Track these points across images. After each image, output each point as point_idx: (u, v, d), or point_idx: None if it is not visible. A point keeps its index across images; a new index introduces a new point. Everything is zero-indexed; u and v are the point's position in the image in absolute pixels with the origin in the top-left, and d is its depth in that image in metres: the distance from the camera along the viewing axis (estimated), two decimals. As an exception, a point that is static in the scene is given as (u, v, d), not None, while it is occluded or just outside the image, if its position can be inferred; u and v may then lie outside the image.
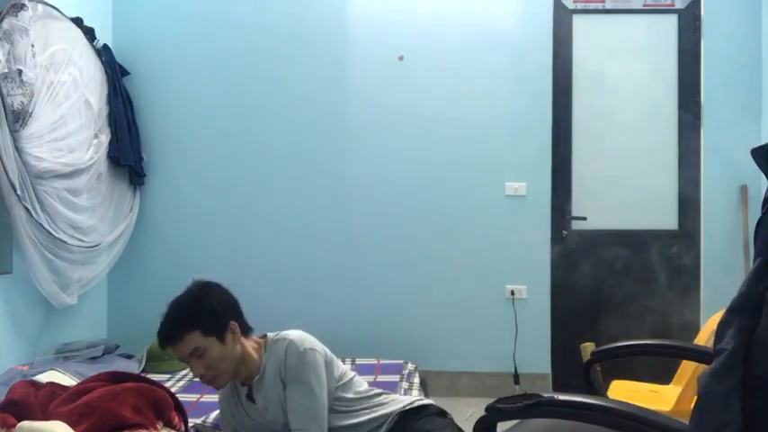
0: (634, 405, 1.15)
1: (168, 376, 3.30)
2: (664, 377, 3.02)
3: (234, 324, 2.01)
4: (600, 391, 2.06)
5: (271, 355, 2.05)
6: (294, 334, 2.07)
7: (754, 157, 1.08)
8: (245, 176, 4.06)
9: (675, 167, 3.96)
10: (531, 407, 1.15)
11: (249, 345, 2.05)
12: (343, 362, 3.35)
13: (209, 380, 2.01)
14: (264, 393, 2.04)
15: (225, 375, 2.02)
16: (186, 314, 1.96)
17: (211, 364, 1.97)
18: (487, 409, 1.22)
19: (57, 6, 3.35)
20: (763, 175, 1.07)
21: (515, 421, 1.55)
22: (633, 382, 3.03)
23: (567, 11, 4.01)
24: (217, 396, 2.25)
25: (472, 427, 1.31)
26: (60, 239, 3.23)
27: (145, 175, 4.02)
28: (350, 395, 2.13)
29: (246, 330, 2.06)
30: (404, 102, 3.99)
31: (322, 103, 4.04)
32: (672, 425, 1.10)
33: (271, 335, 2.11)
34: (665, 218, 3.97)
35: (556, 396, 1.16)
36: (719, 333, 1.05)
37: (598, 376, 2.05)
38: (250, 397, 2.08)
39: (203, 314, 1.96)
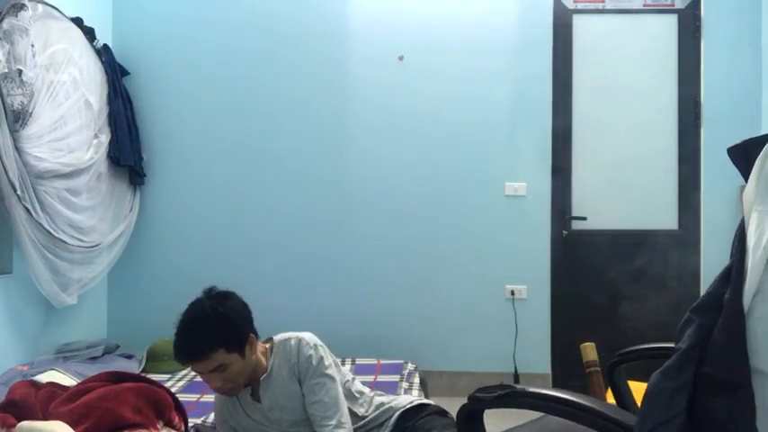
0: (593, 399, 1.24)
1: (168, 376, 3.30)
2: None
3: (252, 336, 2.00)
4: (625, 394, 2.06)
5: (278, 355, 2.05)
6: (303, 334, 2.09)
7: (730, 156, 1.09)
8: (245, 176, 4.06)
9: (675, 167, 3.96)
10: (503, 396, 1.28)
11: (258, 350, 2.05)
12: (343, 362, 3.38)
13: (226, 391, 2.01)
14: (271, 393, 2.04)
15: (241, 386, 2.03)
16: (210, 332, 1.91)
17: (231, 377, 1.96)
18: (469, 397, 1.34)
19: (57, 6, 3.35)
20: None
21: (536, 416, 1.60)
22: (634, 383, 3.02)
23: (567, 11, 4.01)
24: (217, 396, 2.25)
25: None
26: (60, 239, 3.23)
27: (145, 175, 4.02)
28: (353, 397, 2.14)
29: (257, 338, 2.06)
30: (404, 102, 3.99)
31: (322, 103, 4.04)
32: (621, 419, 1.17)
33: (277, 337, 2.11)
34: (665, 218, 3.97)
35: (526, 388, 1.29)
36: (680, 332, 1.07)
37: (623, 378, 2.04)
38: (255, 396, 2.08)
39: (227, 331, 1.93)
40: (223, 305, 1.96)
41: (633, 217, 3.96)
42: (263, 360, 2.04)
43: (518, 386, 1.30)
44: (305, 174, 4.03)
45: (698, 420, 1.00)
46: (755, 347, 0.96)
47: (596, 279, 3.91)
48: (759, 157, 1.02)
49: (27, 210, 2.99)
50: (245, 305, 2.03)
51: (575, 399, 1.23)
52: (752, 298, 0.97)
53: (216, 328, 1.92)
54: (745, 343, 0.97)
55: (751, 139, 1.05)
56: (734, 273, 1.00)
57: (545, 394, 1.27)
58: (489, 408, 1.34)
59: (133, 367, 3.35)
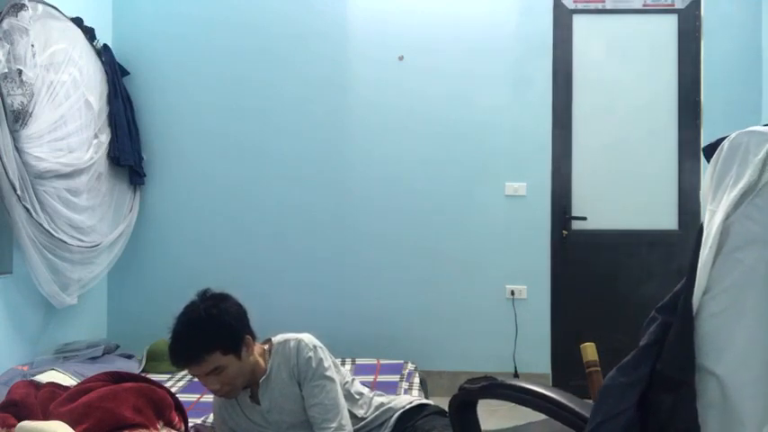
0: (561, 392, 1.32)
1: (168, 376, 3.30)
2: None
3: (248, 338, 2.00)
4: None
5: (277, 356, 2.05)
6: (302, 335, 2.08)
7: (705, 155, 1.10)
8: (245, 176, 4.06)
9: (675, 167, 3.96)
10: (486, 387, 1.38)
11: (257, 352, 2.05)
12: (343, 362, 3.38)
13: (224, 393, 2.01)
14: (270, 395, 2.04)
15: (239, 388, 2.03)
16: (205, 335, 1.91)
17: (229, 380, 1.96)
18: (459, 388, 1.43)
19: (57, 6, 3.35)
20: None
21: (543, 417, 1.65)
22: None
23: (567, 11, 4.01)
24: (217, 396, 2.25)
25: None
26: (60, 239, 3.23)
27: (145, 175, 4.02)
28: (352, 398, 2.14)
29: (254, 339, 2.05)
30: (404, 102, 3.99)
31: (321, 103, 4.04)
32: (580, 411, 1.22)
33: (276, 338, 2.11)
34: (665, 218, 3.97)
35: (504, 380, 1.39)
36: (644, 330, 1.09)
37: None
38: (253, 398, 2.07)
39: (222, 333, 1.93)
40: (217, 307, 1.96)
41: (633, 217, 3.96)
42: (261, 362, 2.04)
43: (499, 379, 1.38)
44: (305, 173, 4.03)
45: (647, 416, 1.02)
46: (703, 346, 0.97)
47: (596, 279, 3.91)
48: (713, 157, 1.03)
49: (27, 210, 2.99)
50: (240, 306, 2.02)
51: (543, 391, 1.30)
52: (701, 297, 0.98)
53: (210, 330, 1.92)
54: (693, 342, 0.98)
55: (724, 137, 1.06)
56: (688, 272, 1.02)
57: (520, 386, 1.36)
58: (476, 398, 1.40)
59: (133, 367, 3.35)
